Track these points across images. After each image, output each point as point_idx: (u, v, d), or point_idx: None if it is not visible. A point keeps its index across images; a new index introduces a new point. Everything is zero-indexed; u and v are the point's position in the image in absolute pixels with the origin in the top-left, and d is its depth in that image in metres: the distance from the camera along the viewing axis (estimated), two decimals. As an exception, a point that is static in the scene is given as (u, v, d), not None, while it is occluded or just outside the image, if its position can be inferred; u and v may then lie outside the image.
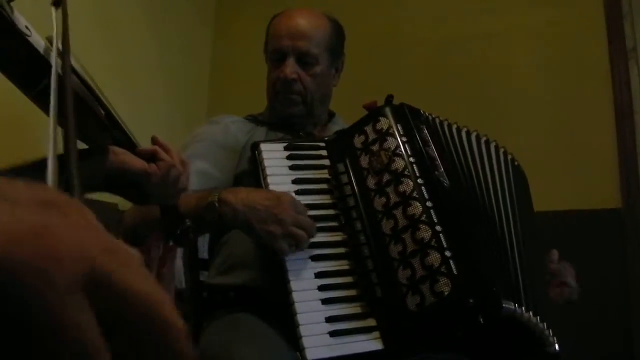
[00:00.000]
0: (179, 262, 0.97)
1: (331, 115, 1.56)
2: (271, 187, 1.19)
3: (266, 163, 1.22)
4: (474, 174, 1.24)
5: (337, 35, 1.49)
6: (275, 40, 1.44)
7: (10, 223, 0.22)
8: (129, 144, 0.86)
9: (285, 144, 1.26)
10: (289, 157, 1.24)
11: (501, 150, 1.33)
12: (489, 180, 1.25)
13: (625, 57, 2.28)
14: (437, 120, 1.28)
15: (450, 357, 1.11)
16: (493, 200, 1.22)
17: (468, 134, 1.31)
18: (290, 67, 1.40)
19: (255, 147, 1.25)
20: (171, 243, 0.94)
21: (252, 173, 1.26)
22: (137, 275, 0.25)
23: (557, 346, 1.14)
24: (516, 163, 1.38)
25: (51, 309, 0.21)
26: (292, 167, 1.23)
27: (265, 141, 1.29)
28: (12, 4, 0.63)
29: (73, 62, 0.72)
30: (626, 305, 2.07)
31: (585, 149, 2.25)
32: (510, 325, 1.07)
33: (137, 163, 0.85)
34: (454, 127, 1.30)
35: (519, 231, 1.22)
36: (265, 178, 1.20)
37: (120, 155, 0.84)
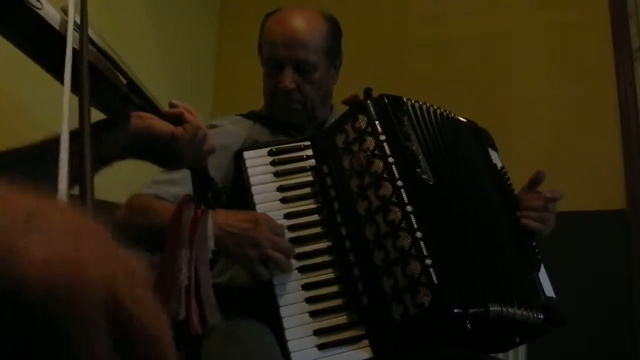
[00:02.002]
0: (210, 225, 0.96)
1: (332, 109, 1.49)
2: (256, 197, 1.16)
3: (250, 172, 1.18)
4: (460, 162, 1.20)
5: (334, 34, 1.42)
6: (271, 48, 1.37)
7: (46, 254, 0.24)
8: (154, 110, 0.85)
9: (269, 149, 1.22)
10: (273, 163, 1.20)
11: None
12: (470, 165, 1.22)
13: (630, 57, 2.26)
14: (420, 107, 1.22)
15: (452, 353, 1.12)
16: (477, 187, 1.19)
17: (448, 117, 1.27)
18: (289, 78, 1.34)
19: (238, 155, 1.21)
20: (203, 206, 0.93)
21: (237, 182, 1.23)
22: (148, 304, 0.28)
23: (541, 316, 1.11)
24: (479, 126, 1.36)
25: (75, 334, 0.24)
26: (276, 174, 1.19)
27: (249, 148, 1.25)
28: None
29: (90, 32, 0.71)
30: (630, 305, 2.06)
31: (589, 149, 2.23)
32: (500, 321, 1.05)
33: (165, 127, 0.84)
34: (438, 112, 1.25)
35: (504, 215, 1.20)
36: (249, 188, 1.17)
37: (147, 119, 0.83)
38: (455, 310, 0.96)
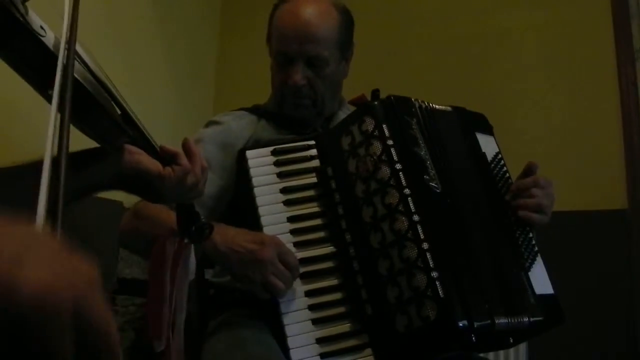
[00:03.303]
0: (192, 257, 0.96)
1: (341, 102, 1.44)
2: (258, 199, 1.13)
3: (253, 172, 1.15)
4: (459, 164, 1.16)
5: (347, 27, 1.36)
6: (282, 42, 1.31)
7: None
8: (146, 145, 0.84)
9: (272, 149, 1.18)
10: (276, 164, 1.17)
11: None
12: (467, 164, 1.18)
13: (632, 57, 2.25)
14: (427, 108, 1.17)
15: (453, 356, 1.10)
16: (476, 187, 1.16)
17: (447, 113, 1.23)
18: (299, 73, 1.29)
19: (241, 154, 1.18)
20: (186, 240, 0.93)
21: (240, 182, 1.20)
22: (104, 308, 0.30)
23: (526, 319, 1.06)
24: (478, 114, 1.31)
25: (45, 342, 0.27)
26: (280, 175, 1.16)
27: (251, 147, 1.21)
28: (27, 3, 0.62)
29: (88, 61, 0.71)
30: (631, 305, 2.06)
31: (591, 149, 2.23)
32: (511, 329, 1.03)
33: (152, 165, 0.83)
34: (441, 109, 1.21)
35: (499, 211, 1.17)
36: (252, 189, 1.14)
37: (136, 155, 0.82)
38: (461, 324, 0.94)
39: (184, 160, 0.87)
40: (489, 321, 0.97)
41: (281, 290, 1.05)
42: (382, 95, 1.16)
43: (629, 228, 2.12)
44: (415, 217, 1.01)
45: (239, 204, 1.23)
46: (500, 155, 1.26)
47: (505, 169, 1.24)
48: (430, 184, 1.06)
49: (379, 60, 2.50)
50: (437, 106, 1.21)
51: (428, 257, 0.97)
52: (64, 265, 0.30)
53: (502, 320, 1.00)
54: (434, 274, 0.96)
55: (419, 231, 1.00)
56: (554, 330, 1.15)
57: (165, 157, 0.86)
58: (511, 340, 1.10)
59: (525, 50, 2.41)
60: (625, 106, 2.22)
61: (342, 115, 1.35)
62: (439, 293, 0.95)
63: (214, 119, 1.42)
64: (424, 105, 1.17)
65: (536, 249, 1.18)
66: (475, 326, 0.95)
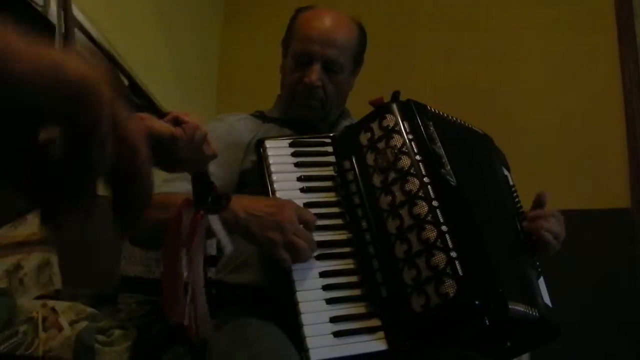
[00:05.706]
0: (218, 226, 0.94)
1: (344, 112, 1.52)
2: (276, 184, 1.16)
3: (271, 160, 1.19)
4: (477, 170, 1.24)
5: (362, 42, 1.47)
6: (305, 42, 1.39)
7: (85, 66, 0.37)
8: (154, 111, 0.85)
9: (290, 141, 1.23)
10: (294, 154, 1.21)
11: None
12: (491, 175, 1.26)
13: (635, 55, 2.25)
14: (441, 115, 1.25)
15: (454, 353, 1.11)
16: (494, 197, 1.22)
17: (467, 127, 1.32)
18: (317, 74, 1.36)
19: (260, 143, 1.22)
20: (202, 212, 0.94)
21: (257, 170, 1.24)
22: (130, 121, 0.41)
23: (536, 313, 1.11)
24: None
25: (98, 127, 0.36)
26: (297, 164, 1.20)
27: (270, 138, 1.25)
28: None
29: (93, 32, 0.71)
30: (636, 304, 2.05)
31: (594, 148, 2.23)
32: (516, 321, 1.06)
33: (164, 127, 0.84)
34: (457, 121, 1.29)
35: (513, 225, 1.23)
36: (270, 175, 1.17)
37: (147, 120, 0.83)
38: (477, 303, 0.97)
39: (186, 117, 0.87)
40: (503, 305, 1.00)
41: (303, 250, 1.06)
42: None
43: (632, 227, 2.12)
44: (435, 203, 1.06)
45: (257, 194, 1.24)
46: (515, 188, 1.35)
47: (518, 199, 1.33)
48: (447, 177, 1.11)
49: (385, 59, 2.49)
50: (468, 124, 1.31)
51: (447, 238, 1.02)
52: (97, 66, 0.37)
53: (516, 308, 1.03)
54: (453, 254, 1.00)
55: (439, 214, 1.04)
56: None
57: (170, 121, 0.86)
58: (508, 344, 1.11)
59: (529, 48, 2.41)
60: (629, 105, 2.22)
61: (344, 123, 1.44)
62: (458, 271, 0.98)
63: (217, 117, 1.48)
64: (437, 112, 1.25)
65: (540, 269, 1.25)
66: (491, 307, 0.98)
